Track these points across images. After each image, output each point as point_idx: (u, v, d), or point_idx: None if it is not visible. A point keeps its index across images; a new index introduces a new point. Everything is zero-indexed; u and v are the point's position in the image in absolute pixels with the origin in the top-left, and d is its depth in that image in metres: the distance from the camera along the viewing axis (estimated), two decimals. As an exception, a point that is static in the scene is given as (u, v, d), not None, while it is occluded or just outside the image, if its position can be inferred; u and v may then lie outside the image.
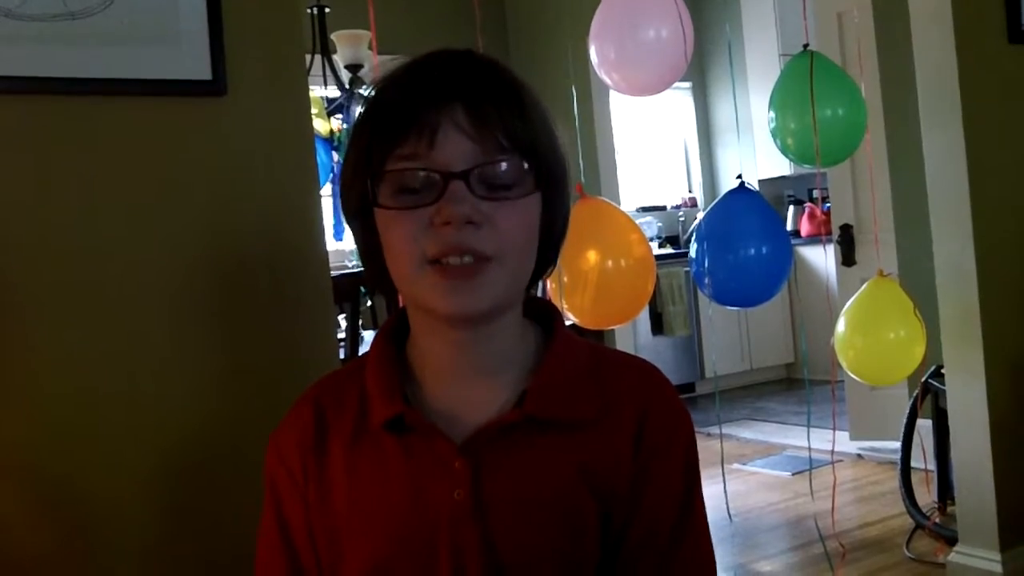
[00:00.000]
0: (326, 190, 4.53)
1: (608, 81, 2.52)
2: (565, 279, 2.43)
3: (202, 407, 1.63)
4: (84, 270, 1.57)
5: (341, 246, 4.98)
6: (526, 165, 1.00)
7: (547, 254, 1.09)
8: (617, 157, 6.02)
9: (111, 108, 1.67)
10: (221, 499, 1.61)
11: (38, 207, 1.56)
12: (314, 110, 4.38)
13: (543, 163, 1.02)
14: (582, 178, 2.73)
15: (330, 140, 4.27)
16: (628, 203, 6.79)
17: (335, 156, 4.30)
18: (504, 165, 0.98)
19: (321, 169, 4.40)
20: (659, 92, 2.62)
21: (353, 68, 4.20)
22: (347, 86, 4.26)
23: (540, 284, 1.40)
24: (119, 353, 1.57)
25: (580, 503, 1.04)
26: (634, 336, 6.11)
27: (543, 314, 1.13)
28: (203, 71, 1.86)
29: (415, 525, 1.03)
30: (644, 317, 6.26)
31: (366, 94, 1.06)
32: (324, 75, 4.29)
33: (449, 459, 1.02)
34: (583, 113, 5.62)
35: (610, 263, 2.49)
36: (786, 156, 2.82)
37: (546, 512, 1.03)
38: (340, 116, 4.37)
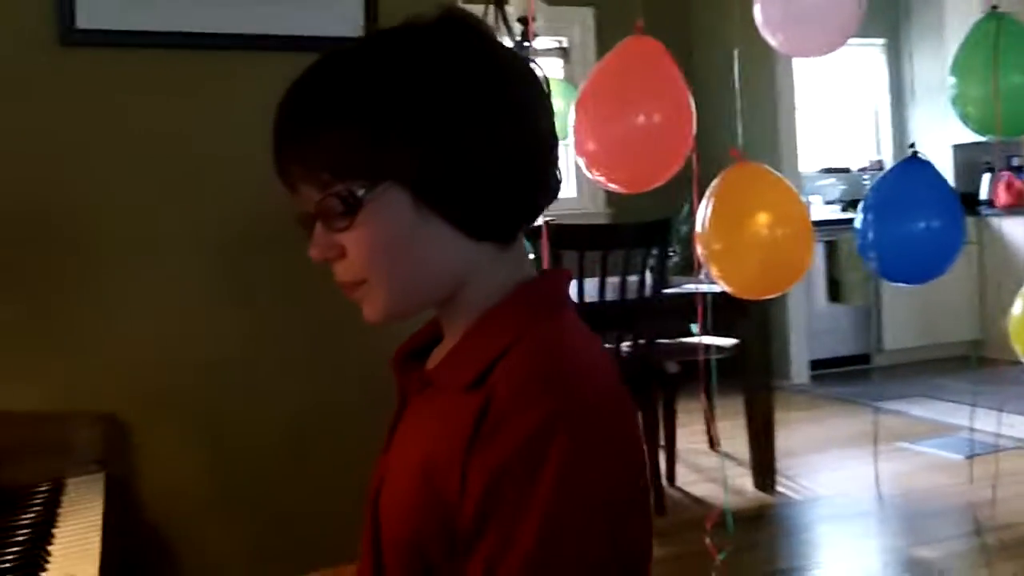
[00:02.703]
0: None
1: (772, 42, 2.41)
2: (717, 246, 2.36)
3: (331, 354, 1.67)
4: (221, 215, 1.63)
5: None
6: (339, 192, 0.95)
7: (494, 200, 0.98)
8: (799, 117, 5.80)
9: (254, 62, 1.74)
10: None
11: (183, 156, 1.63)
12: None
13: (373, 172, 0.95)
14: (740, 141, 2.63)
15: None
16: (809, 164, 6.55)
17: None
18: (328, 200, 0.95)
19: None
20: (826, 54, 2.49)
21: (524, 21, 4.19)
22: (518, 38, 4.25)
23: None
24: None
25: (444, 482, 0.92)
26: (807, 304, 5.93)
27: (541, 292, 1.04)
28: (354, 29, 1.92)
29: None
30: (820, 284, 6.06)
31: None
32: (496, 27, 4.28)
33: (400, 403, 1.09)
34: (759, 74, 5.44)
35: (765, 232, 2.39)
36: (965, 124, 2.64)
37: (417, 483, 0.95)
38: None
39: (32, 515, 1.48)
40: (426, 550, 0.94)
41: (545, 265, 2.78)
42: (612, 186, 2.41)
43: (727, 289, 2.47)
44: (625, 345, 3.84)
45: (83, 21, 1.80)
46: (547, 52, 6.11)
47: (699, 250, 2.36)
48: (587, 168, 2.34)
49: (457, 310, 1.02)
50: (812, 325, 6.02)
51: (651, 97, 2.26)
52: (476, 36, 1.01)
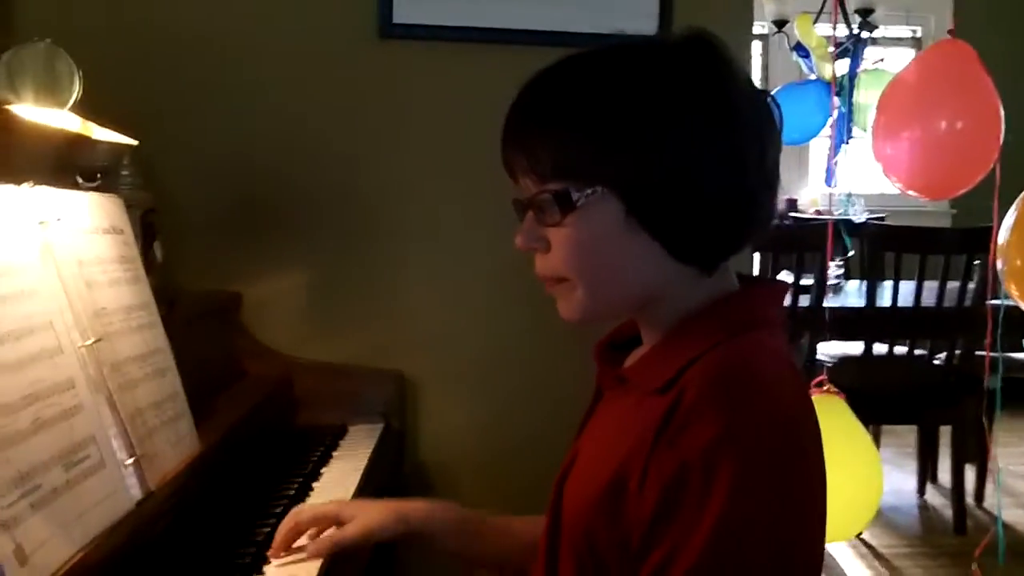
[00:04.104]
0: (825, 131, 4.44)
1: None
2: (1019, 261, 2.22)
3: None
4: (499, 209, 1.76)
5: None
6: (556, 189, 0.98)
7: (704, 227, 0.99)
8: None
9: (549, 57, 1.85)
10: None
11: (476, 149, 1.76)
12: (819, 53, 4.29)
13: (591, 176, 0.98)
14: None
15: (831, 84, 4.16)
16: None
17: (835, 101, 4.19)
18: (544, 195, 0.99)
19: (819, 112, 4.32)
20: None
21: (864, 12, 4.04)
22: (855, 30, 4.11)
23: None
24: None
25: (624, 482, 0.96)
26: None
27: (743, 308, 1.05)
28: (649, 27, 2.01)
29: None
30: None
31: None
32: (835, 16, 4.16)
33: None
34: None
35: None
36: None
37: (602, 477, 0.98)
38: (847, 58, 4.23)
39: (316, 454, 1.70)
40: (595, 541, 0.98)
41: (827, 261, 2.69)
42: (911, 192, 2.32)
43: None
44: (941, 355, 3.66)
45: (400, 16, 2.01)
46: (898, 42, 5.82)
47: (998, 265, 2.23)
48: (884, 173, 2.27)
49: (655, 319, 1.06)
50: None
51: (956, 103, 2.15)
52: (718, 62, 1.01)
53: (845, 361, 3.92)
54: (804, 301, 3.66)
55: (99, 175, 1.70)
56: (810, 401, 1.02)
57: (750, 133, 1.00)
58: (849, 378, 3.77)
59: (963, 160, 2.18)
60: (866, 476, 2.08)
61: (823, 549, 1.03)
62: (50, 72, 1.17)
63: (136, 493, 1.13)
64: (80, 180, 1.66)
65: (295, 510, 1.25)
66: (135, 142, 1.60)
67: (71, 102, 1.20)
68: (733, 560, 0.88)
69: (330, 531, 1.22)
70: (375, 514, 1.22)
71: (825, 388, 2.17)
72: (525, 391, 2.06)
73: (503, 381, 2.07)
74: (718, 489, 0.87)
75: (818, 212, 5.16)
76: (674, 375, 0.97)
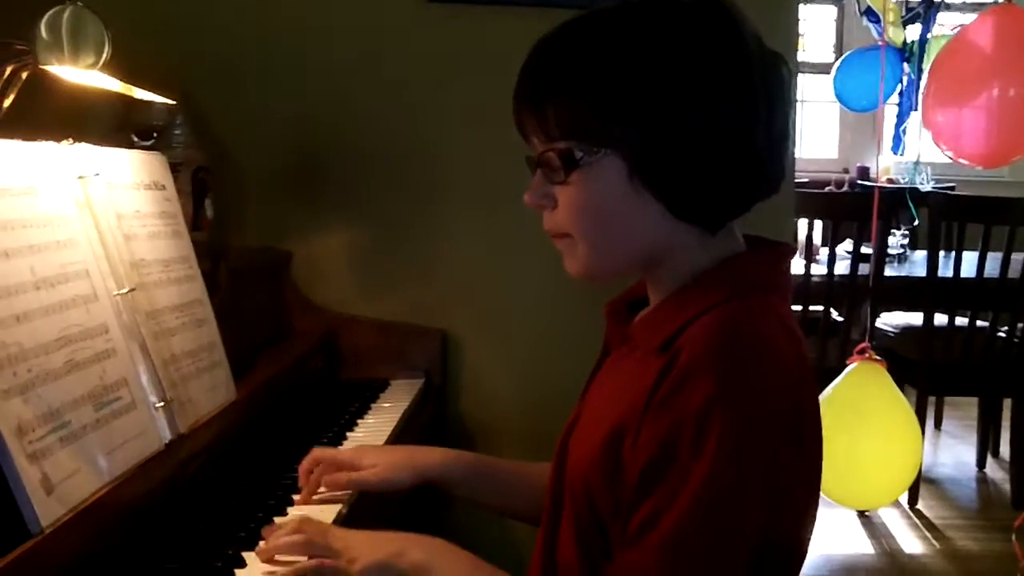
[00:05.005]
0: (893, 99, 4.37)
1: None
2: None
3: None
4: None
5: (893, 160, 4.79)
6: (562, 148, 1.01)
7: (709, 189, 1.01)
8: None
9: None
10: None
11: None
12: (890, 18, 4.21)
13: (597, 137, 1.00)
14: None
15: (903, 50, 4.08)
16: None
17: (905, 68, 4.11)
18: (550, 154, 1.02)
19: (890, 79, 4.25)
20: None
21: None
22: (927, -6, 4.03)
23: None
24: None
25: (620, 439, 0.98)
26: None
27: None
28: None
29: None
30: None
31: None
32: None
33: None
34: None
35: None
36: None
37: (601, 432, 1.01)
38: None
39: (355, 405, 1.77)
40: (593, 496, 1.01)
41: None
42: (962, 160, 2.30)
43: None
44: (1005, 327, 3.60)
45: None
46: (978, 7, 5.65)
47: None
48: (934, 141, 2.25)
49: (661, 278, 1.07)
50: None
51: (1010, 70, 2.12)
52: (726, 24, 1.01)
53: (907, 331, 3.88)
54: (864, 270, 3.62)
55: (154, 134, 1.78)
56: (808, 368, 1.03)
57: (758, 96, 1.00)
58: (911, 349, 3.74)
59: (1016, 127, 2.15)
60: (903, 443, 2.08)
61: (813, 517, 1.04)
62: (82, 34, 1.23)
63: (166, 435, 1.20)
64: (136, 139, 1.75)
65: (316, 450, 1.32)
66: (173, 102, 1.67)
67: (101, 63, 1.26)
68: (718, 519, 0.90)
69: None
70: (389, 464, 1.28)
71: (867, 355, 2.17)
72: (565, 351, 2.10)
73: (544, 340, 2.11)
74: (708, 449, 0.90)
75: (889, 180, 5.09)
76: (673, 334, 0.99)
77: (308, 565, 1.05)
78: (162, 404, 1.20)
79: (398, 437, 1.64)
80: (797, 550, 1.03)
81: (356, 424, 1.66)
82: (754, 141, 1.01)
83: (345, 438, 1.59)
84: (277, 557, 1.08)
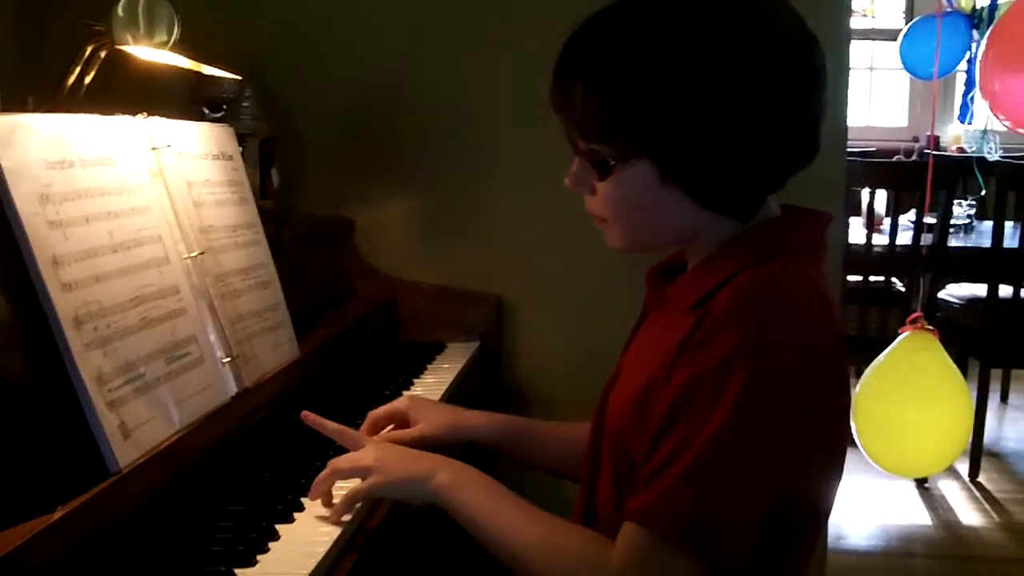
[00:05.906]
0: (962, 66, 4.31)
1: None
2: None
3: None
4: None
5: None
6: (595, 153, 1.09)
7: (739, 184, 1.07)
8: None
9: None
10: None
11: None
12: (959, -16, 4.15)
13: (628, 142, 1.06)
14: None
15: (972, 16, 4.03)
16: None
17: (975, 34, 4.06)
18: (583, 154, 1.11)
19: (958, 46, 4.19)
20: None
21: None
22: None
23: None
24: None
25: (653, 387, 1.05)
26: None
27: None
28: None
29: None
30: None
31: None
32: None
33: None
34: None
35: None
36: None
37: (636, 385, 1.09)
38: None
39: (412, 365, 1.85)
40: (627, 444, 1.08)
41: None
42: (1021, 131, 2.29)
43: None
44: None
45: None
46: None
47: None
48: (992, 110, 2.25)
49: (697, 247, 1.14)
50: None
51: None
52: (752, 20, 1.04)
53: (971, 303, 3.85)
54: (927, 240, 3.61)
55: (223, 107, 1.87)
56: (836, 329, 1.08)
57: (788, 87, 1.04)
58: (975, 320, 3.72)
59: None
60: (953, 413, 2.09)
61: (837, 477, 1.10)
62: (155, 15, 1.33)
63: (232, 388, 1.29)
64: (206, 112, 1.84)
65: (371, 413, 1.40)
66: (240, 77, 1.75)
67: (172, 41, 1.36)
68: (731, 464, 0.96)
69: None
70: (432, 421, 1.36)
71: (918, 325, 2.19)
72: (614, 316, 2.15)
73: (597, 307, 2.16)
74: (728, 397, 0.95)
75: (959, 150, 5.02)
76: (704, 295, 1.05)
77: (357, 488, 1.16)
78: (229, 360, 1.29)
79: (452, 395, 1.72)
80: (817, 506, 1.08)
81: (412, 383, 1.75)
82: (784, 134, 1.05)
83: (401, 395, 1.66)
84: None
